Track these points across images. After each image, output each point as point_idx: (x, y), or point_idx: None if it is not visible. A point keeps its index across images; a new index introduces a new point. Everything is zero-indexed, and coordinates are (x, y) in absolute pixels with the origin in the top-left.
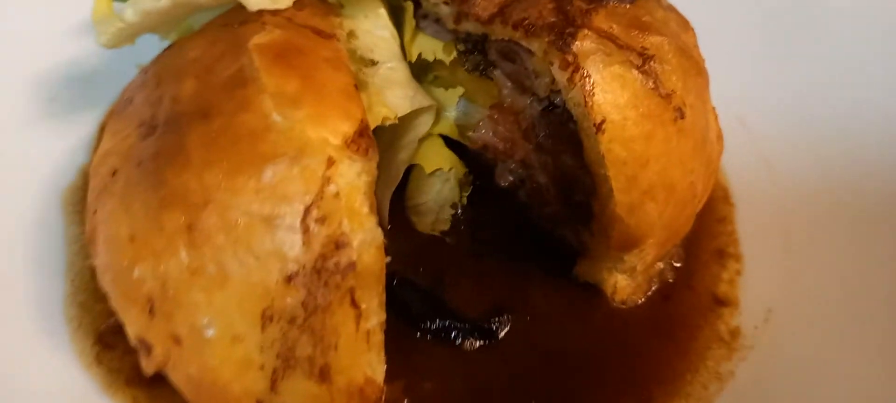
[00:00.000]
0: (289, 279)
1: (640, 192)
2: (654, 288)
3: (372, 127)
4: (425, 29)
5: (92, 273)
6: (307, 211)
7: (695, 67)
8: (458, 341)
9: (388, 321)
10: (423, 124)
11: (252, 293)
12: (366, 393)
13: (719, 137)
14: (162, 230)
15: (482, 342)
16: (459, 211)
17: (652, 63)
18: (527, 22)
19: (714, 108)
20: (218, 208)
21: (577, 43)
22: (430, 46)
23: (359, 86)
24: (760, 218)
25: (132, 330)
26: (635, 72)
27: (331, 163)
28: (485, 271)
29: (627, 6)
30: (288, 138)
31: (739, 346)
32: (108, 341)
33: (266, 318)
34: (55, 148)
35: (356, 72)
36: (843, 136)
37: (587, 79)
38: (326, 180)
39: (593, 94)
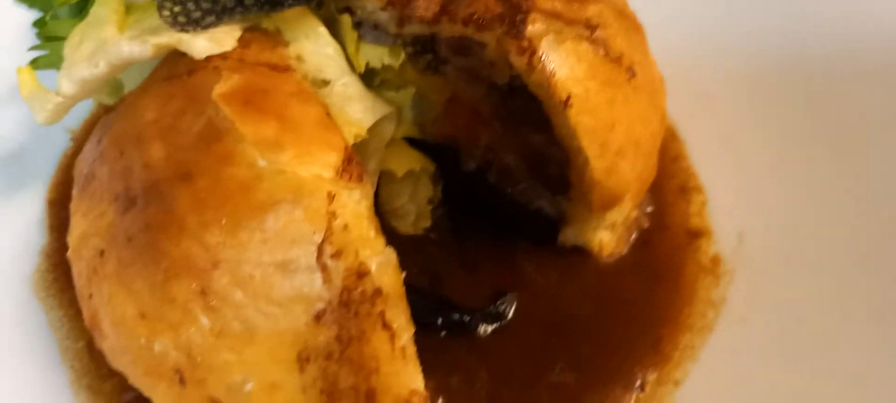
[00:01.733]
0: (317, 318)
1: (612, 154)
2: (633, 236)
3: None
4: (365, 37)
5: (89, 353)
6: (320, 249)
7: (633, 24)
8: (472, 329)
9: None
10: (386, 130)
11: (283, 340)
12: None
13: (661, 82)
14: (173, 302)
15: (494, 326)
16: (437, 205)
17: (598, 31)
18: (476, 16)
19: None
20: (229, 267)
21: (528, 27)
22: (376, 54)
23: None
24: (709, 146)
25: None
26: (586, 43)
27: (331, 197)
28: (475, 259)
29: None
30: (281, 183)
31: (723, 271)
32: None
33: (302, 360)
34: (7, 234)
35: (318, 90)
36: (767, 47)
37: (546, 60)
38: (332, 215)
39: (554, 74)
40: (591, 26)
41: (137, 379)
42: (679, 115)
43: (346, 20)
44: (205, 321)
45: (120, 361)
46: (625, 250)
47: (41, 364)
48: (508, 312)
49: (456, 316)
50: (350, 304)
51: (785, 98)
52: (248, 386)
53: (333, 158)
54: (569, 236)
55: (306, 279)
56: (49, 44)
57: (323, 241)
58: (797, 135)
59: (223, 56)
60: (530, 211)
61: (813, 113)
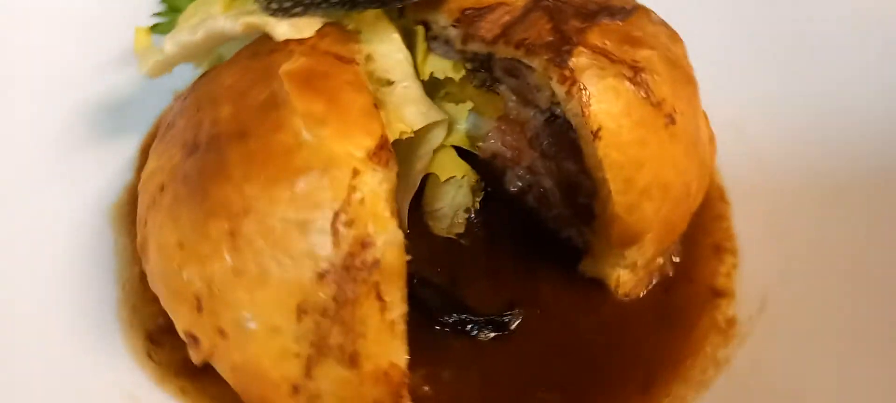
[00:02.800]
0: (321, 276)
1: (636, 192)
2: (654, 282)
3: (391, 140)
4: (435, 50)
5: (141, 279)
6: (336, 215)
7: (684, 77)
8: (474, 333)
9: (409, 317)
10: (437, 136)
11: (288, 290)
12: (390, 377)
13: (711, 140)
14: (207, 237)
15: (496, 334)
16: (473, 215)
17: (643, 74)
18: (527, 41)
19: (705, 113)
20: (257, 216)
21: (573, 59)
22: (440, 66)
23: (378, 104)
24: (755, 214)
25: (181, 325)
26: (627, 83)
27: (356, 173)
28: (497, 269)
29: (619, 23)
30: (317, 153)
31: (736, 334)
32: (157, 339)
33: (301, 312)
34: (102, 169)
35: (374, 91)
36: (830, 134)
37: (583, 91)
38: (352, 188)
39: (589, 105)
40: (636, 68)
41: (166, 301)
42: (732, 178)
43: (420, 31)
44: (228, 259)
45: (156, 283)
46: (642, 292)
47: (98, 281)
48: (512, 324)
49: (462, 317)
50: (351, 269)
51: (843, 198)
52: (252, 325)
53: (368, 142)
54: (588, 266)
55: (318, 239)
56: (170, 13)
57: (339, 210)
58: (840, 223)
59: (300, 41)
60: (559, 238)
61: (861, 207)
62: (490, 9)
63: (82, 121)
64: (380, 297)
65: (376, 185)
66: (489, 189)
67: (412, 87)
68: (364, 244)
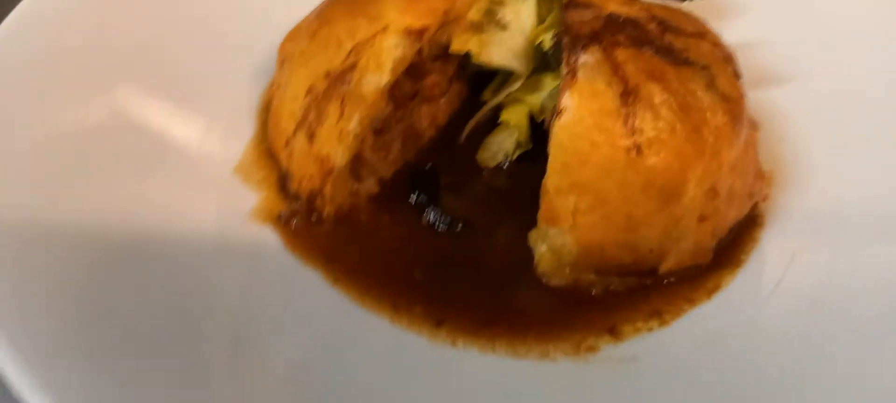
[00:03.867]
0: (326, 75)
1: (569, 181)
2: (569, 283)
3: (458, 49)
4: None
5: None
6: (356, 46)
7: (697, 142)
8: (428, 217)
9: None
10: (510, 84)
11: (310, 74)
12: (324, 164)
13: (675, 195)
14: (305, 38)
15: (444, 228)
16: (506, 162)
17: (637, 103)
18: (582, 29)
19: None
20: (329, 27)
21: (584, 55)
22: (548, 37)
23: (477, 29)
24: None
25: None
26: (614, 95)
27: (384, 29)
28: (500, 203)
29: (658, 60)
30: (379, 8)
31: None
32: None
33: (308, 91)
34: None
35: (481, 24)
36: None
37: (572, 77)
38: (375, 36)
39: (567, 88)
40: (634, 93)
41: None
42: None
43: (557, 8)
44: (304, 44)
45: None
46: (559, 283)
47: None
48: (447, 228)
49: (429, 203)
50: (340, 80)
51: None
52: (288, 89)
53: (411, 22)
54: (533, 234)
55: (337, 54)
56: None
57: (360, 43)
58: None
59: None
60: None
61: None
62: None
63: None
64: (342, 107)
65: (392, 46)
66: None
67: (516, 39)
68: (353, 69)
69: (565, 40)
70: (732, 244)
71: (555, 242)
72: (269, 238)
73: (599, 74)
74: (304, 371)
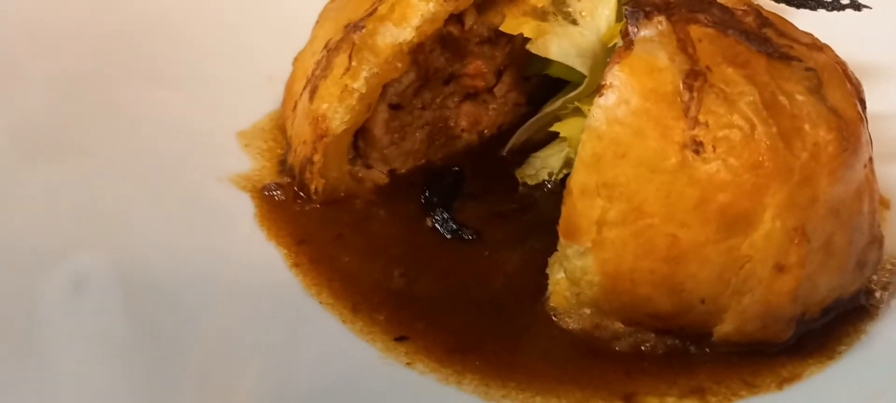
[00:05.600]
0: (346, 27)
1: (597, 178)
2: (586, 328)
3: (509, 29)
4: None
5: None
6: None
7: (782, 165)
8: (436, 221)
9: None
10: (573, 88)
11: (333, 27)
12: (319, 123)
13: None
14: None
15: (440, 228)
16: (549, 182)
17: (706, 90)
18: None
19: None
20: None
21: (645, 20)
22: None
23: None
24: None
25: None
26: (676, 74)
27: None
28: (515, 220)
29: (748, 47)
30: None
31: None
32: None
33: (327, 46)
34: None
35: (547, 11)
36: None
37: (627, 49)
38: None
39: (618, 61)
40: (703, 76)
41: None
42: None
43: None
44: (332, 14)
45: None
46: (573, 326)
47: None
48: (454, 235)
49: (440, 207)
50: (355, 28)
51: None
52: (313, 43)
53: None
54: (551, 260)
55: (363, 2)
56: None
57: None
58: None
59: None
60: None
61: None
62: None
63: None
64: (350, 59)
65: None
66: None
67: (585, 37)
68: (374, 16)
69: (627, 10)
70: (825, 329)
71: (573, 265)
72: (244, 205)
73: (661, 48)
74: (226, 348)
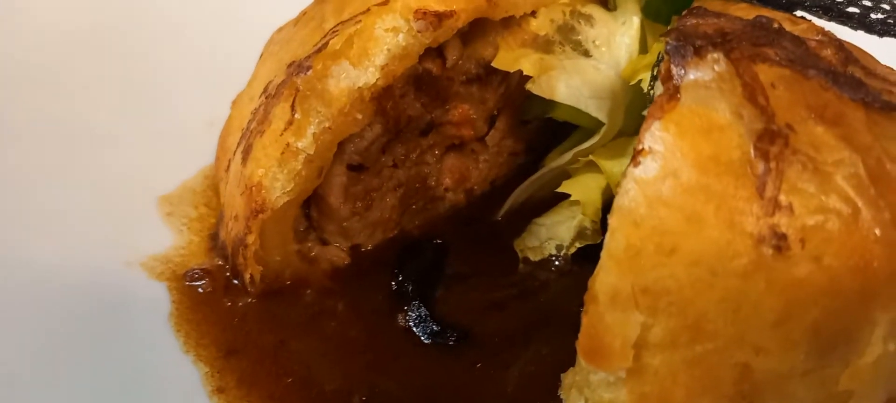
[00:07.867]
0: (289, 64)
1: (634, 283)
2: None
3: (503, 66)
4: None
5: None
6: (340, 23)
7: (890, 258)
8: (414, 322)
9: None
10: (584, 138)
11: (275, 65)
12: (254, 196)
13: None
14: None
15: (416, 329)
16: (558, 257)
17: (787, 158)
18: (687, 31)
19: None
20: (323, 7)
21: (694, 59)
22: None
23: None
24: None
25: None
26: (742, 138)
27: (384, 2)
28: (515, 313)
29: (851, 104)
30: None
31: None
32: None
33: (265, 90)
34: None
35: (551, 39)
36: None
37: (671, 98)
38: (367, 9)
39: (660, 117)
40: (781, 136)
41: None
42: None
43: (658, 47)
44: (276, 48)
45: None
46: None
47: None
48: (445, 339)
49: (417, 300)
50: (301, 67)
51: None
52: (255, 83)
53: (433, 3)
54: (566, 376)
55: (313, 35)
56: None
57: (345, 20)
58: None
59: None
60: None
61: None
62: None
63: None
64: (293, 109)
65: (387, 28)
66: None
67: (601, 73)
68: (324, 53)
69: (669, 45)
70: None
71: (599, 397)
72: (156, 301)
73: (721, 97)
74: None
